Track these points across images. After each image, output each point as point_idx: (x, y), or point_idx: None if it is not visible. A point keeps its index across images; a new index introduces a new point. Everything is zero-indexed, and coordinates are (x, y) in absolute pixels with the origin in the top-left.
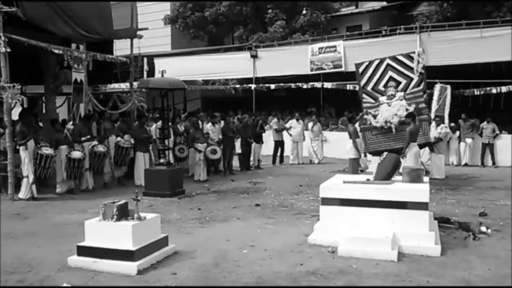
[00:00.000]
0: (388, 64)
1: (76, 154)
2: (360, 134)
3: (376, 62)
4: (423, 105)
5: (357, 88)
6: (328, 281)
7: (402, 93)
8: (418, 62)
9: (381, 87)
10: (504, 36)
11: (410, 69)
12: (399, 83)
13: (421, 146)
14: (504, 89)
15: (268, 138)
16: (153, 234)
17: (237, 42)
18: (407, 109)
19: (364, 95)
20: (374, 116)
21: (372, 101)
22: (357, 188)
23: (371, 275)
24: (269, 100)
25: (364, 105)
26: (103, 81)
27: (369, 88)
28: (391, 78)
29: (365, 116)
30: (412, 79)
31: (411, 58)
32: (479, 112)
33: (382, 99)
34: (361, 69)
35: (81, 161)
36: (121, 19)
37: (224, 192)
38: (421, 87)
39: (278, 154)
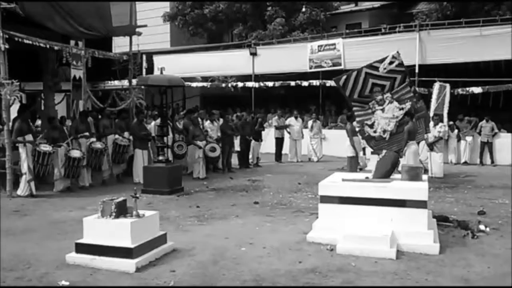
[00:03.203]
0: (366, 73)
1: (76, 153)
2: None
3: (354, 73)
4: (420, 103)
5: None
6: (327, 279)
7: (389, 94)
8: (390, 62)
9: (367, 93)
10: (503, 34)
11: (390, 71)
12: (383, 86)
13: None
14: (503, 87)
15: (267, 135)
16: (151, 232)
17: (236, 40)
18: (401, 108)
19: (353, 103)
20: (371, 126)
21: (363, 106)
22: (356, 186)
23: (369, 273)
24: (268, 97)
25: (356, 113)
26: (102, 78)
27: (355, 96)
28: (374, 85)
29: (364, 128)
30: (395, 79)
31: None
32: (478, 111)
33: (374, 105)
34: (341, 83)
35: (80, 160)
36: (120, 16)
37: (223, 190)
38: (406, 83)
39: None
